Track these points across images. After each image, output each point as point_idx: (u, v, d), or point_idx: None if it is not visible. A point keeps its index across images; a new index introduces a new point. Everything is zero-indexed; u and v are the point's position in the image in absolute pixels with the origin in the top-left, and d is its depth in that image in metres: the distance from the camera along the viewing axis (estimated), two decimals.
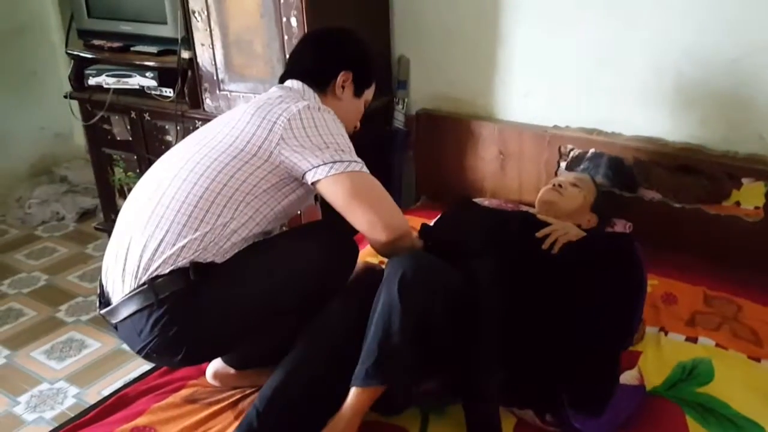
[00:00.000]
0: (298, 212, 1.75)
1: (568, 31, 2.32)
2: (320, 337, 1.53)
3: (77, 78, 2.90)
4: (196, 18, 2.44)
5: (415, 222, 2.18)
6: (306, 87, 1.71)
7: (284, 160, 1.53)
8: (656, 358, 1.76)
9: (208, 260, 1.48)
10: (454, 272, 1.57)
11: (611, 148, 2.30)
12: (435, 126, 2.65)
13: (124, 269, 1.50)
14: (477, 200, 2.42)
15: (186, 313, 1.46)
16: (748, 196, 2.12)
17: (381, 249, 1.59)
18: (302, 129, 1.53)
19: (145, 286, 1.45)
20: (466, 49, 2.55)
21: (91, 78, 2.81)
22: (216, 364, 1.73)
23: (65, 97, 2.99)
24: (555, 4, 2.32)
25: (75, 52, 2.88)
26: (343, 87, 1.74)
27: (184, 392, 1.70)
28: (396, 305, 1.42)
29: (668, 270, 2.10)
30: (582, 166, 2.36)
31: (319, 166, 1.51)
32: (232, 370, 1.72)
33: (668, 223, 2.23)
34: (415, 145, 2.74)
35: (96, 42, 2.83)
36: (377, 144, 2.59)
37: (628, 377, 1.63)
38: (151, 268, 1.46)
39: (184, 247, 1.47)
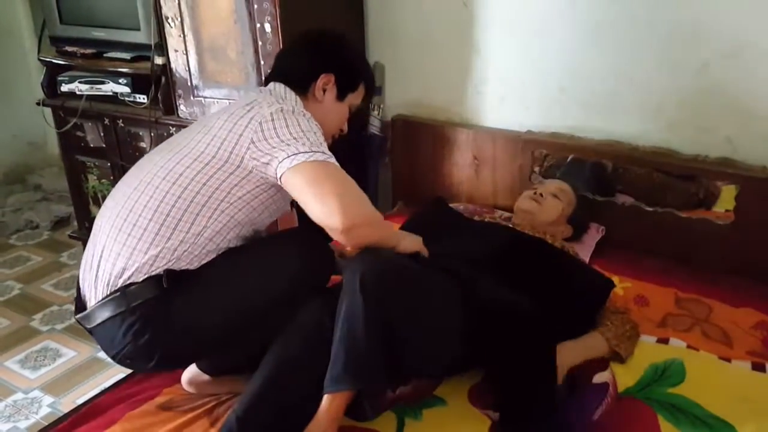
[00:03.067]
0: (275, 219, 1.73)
1: (540, 39, 2.35)
2: (296, 344, 1.52)
3: (50, 85, 2.87)
4: (169, 24, 2.43)
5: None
6: (287, 89, 1.69)
7: (256, 165, 1.51)
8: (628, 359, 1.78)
9: (183, 267, 1.48)
10: (418, 267, 1.57)
11: (584, 153, 2.33)
12: (411, 132, 2.67)
13: (96, 276, 1.50)
14: (453, 205, 2.44)
15: (158, 320, 1.45)
16: (719, 200, 2.16)
17: (340, 238, 1.49)
18: (273, 130, 1.51)
19: (118, 294, 1.45)
20: (440, 55, 2.57)
21: (63, 85, 2.79)
22: (191, 371, 1.72)
23: (38, 104, 2.95)
24: (526, 13, 2.35)
25: (47, 59, 2.85)
26: (324, 90, 1.72)
27: (159, 400, 1.69)
28: (358, 306, 1.41)
29: (640, 272, 2.13)
30: (557, 173, 2.38)
31: (283, 159, 1.47)
32: (206, 377, 1.71)
33: (640, 226, 2.27)
34: (391, 151, 2.75)
35: (68, 48, 2.81)
36: (353, 149, 2.60)
37: (601, 379, 1.65)
38: (124, 276, 1.46)
39: (157, 256, 1.46)
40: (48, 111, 2.97)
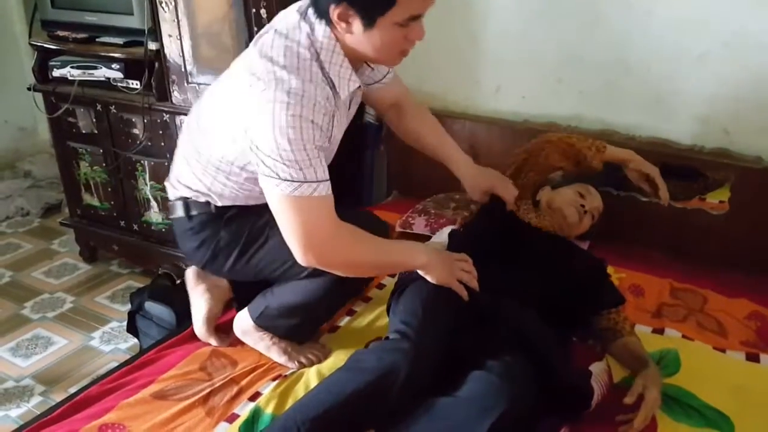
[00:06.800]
0: None
1: (538, 28, 2.34)
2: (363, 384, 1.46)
3: (41, 70, 2.84)
4: (163, 8, 2.40)
5: (387, 217, 2.18)
6: (319, 20, 1.41)
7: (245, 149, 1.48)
8: None
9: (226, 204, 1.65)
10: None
11: None
12: None
13: (169, 179, 1.76)
14: (449, 194, 2.42)
15: (211, 230, 1.67)
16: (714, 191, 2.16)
17: (308, 263, 1.47)
18: (263, 129, 1.38)
19: (180, 201, 1.69)
20: (436, 44, 2.54)
21: (55, 70, 2.76)
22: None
23: (29, 89, 2.91)
24: (524, 1, 2.34)
25: (39, 44, 2.81)
26: (347, 23, 1.37)
27: (153, 388, 1.67)
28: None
29: (635, 263, 2.13)
30: None
31: (262, 172, 1.41)
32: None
33: (635, 216, 2.26)
34: (386, 140, 2.73)
35: (60, 33, 2.78)
36: (349, 138, 2.57)
37: (597, 369, 1.65)
38: (179, 191, 1.70)
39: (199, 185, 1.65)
40: (39, 96, 2.92)
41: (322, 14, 1.39)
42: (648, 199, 2.20)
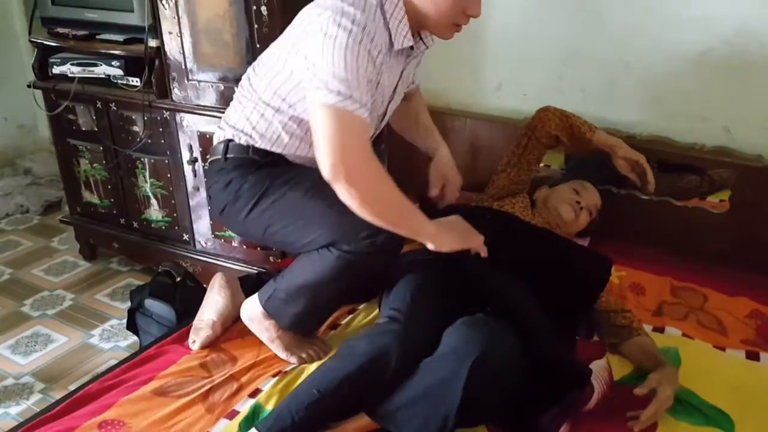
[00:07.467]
0: None
1: (539, 25, 2.34)
2: (355, 371, 1.49)
3: (41, 67, 2.83)
4: (163, 5, 2.40)
5: None
6: None
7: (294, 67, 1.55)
8: None
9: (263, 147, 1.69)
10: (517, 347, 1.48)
11: None
12: None
13: (219, 124, 1.80)
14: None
15: (241, 172, 1.69)
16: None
17: (333, 185, 1.45)
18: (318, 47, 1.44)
19: (221, 144, 1.73)
20: (437, 42, 2.53)
21: (55, 67, 2.75)
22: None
23: (29, 86, 2.91)
24: None
25: (38, 41, 2.81)
26: None
27: (153, 385, 1.67)
28: (456, 395, 1.37)
29: (635, 261, 2.13)
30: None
31: (317, 88, 1.44)
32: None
33: (635, 214, 2.26)
34: (387, 138, 2.73)
35: (60, 30, 2.77)
36: None
37: (597, 366, 1.66)
38: (224, 132, 1.75)
39: (243, 126, 1.70)
40: (39, 93, 2.92)
41: None
42: (634, 191, 2.21)
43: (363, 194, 1.44)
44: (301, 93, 1.56)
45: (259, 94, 1.67)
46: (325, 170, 1.42)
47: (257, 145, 1.70)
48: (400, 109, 1.89)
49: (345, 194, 1.44)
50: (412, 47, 1.63)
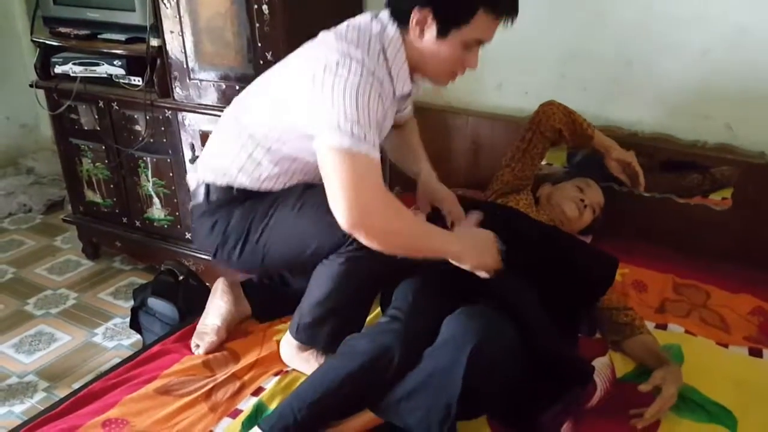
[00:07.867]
0: None
1: (541, 25, 2.33)
2: (357, 367, 1.50)
3: (43, 66, 2.83)
4: (165, 5, 2.40)
5: None
6: (391, 22, 1.52)
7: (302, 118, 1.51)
8: None
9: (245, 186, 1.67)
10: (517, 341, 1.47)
11: None
12: None
13: (194, 167, 1.80)
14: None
15: (225, 210, 1.69)
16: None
17: (354, 234, 1.45)
18: (329, 85, 1.42)
19: (202, 186, 1.71)
20: None
21: (57, 66, 2.76)
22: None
23: (31, 86, 2.91)
24: None
25: (40, 40, 2.81)
26: (422, 29, 1.48)
27: (156, 383, 1.68)
28: (456, 380, 1.38)
29: (638, 258, 2.13)
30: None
31: (328, 129, 1.41)
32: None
33: (638, 212, 2.26)
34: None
35: (62, 29, 2.77)
36: None
37: (599, 364, 1.66)
38: (203, 176, 1.72)
39: (228, 168, 1.67)
40: (41, 93, 2.92)
41: (401, 15, 1.49)
42: (625, 189, 2.21)
43: (380, 232, 1.44)
44: (298, 131, 1.53)
45: (249, 131, 1.63)
46: (340, 215, 1.41)
47: (242, 185, 1.67)
48: (391, 136, 1.86)
49: (364, 239, 1.44)
50: (410, 93, 1.63)
